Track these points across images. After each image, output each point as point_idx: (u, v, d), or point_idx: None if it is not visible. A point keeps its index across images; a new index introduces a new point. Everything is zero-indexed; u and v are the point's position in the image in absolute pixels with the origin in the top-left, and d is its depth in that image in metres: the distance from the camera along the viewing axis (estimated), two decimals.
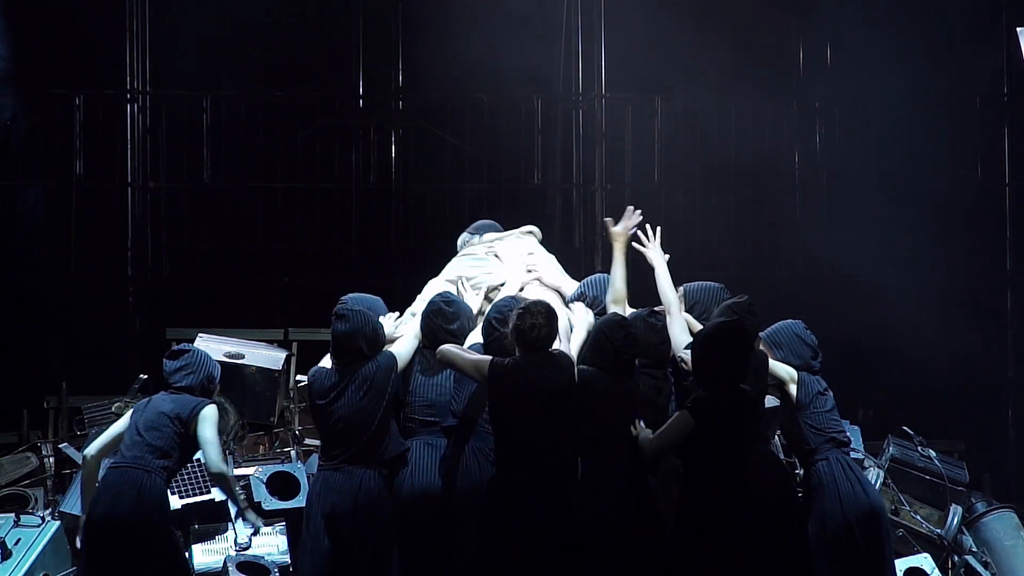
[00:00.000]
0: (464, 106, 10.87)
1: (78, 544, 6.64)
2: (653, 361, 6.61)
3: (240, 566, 7.09)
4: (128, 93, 10.50)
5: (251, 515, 6.75)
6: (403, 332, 6.73)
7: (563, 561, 6.03)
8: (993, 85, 11.17)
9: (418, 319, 6.75)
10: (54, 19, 10.31)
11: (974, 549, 8.12)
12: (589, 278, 7.19)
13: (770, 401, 6.65)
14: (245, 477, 7.86)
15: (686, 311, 6.94)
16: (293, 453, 8.23)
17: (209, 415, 6.41)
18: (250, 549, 7.30)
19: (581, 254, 10.85)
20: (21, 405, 9.29)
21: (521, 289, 7.12)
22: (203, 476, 7.46)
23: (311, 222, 10.67)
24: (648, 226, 7.02)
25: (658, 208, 10.66)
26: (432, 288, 7.16)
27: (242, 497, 6.75)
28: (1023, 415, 10.84)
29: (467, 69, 10.55)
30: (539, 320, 6.11)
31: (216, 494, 7.38)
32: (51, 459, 8.33)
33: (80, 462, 7.80)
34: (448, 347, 6.33)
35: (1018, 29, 9.47)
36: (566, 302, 7.10)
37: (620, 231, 6.87)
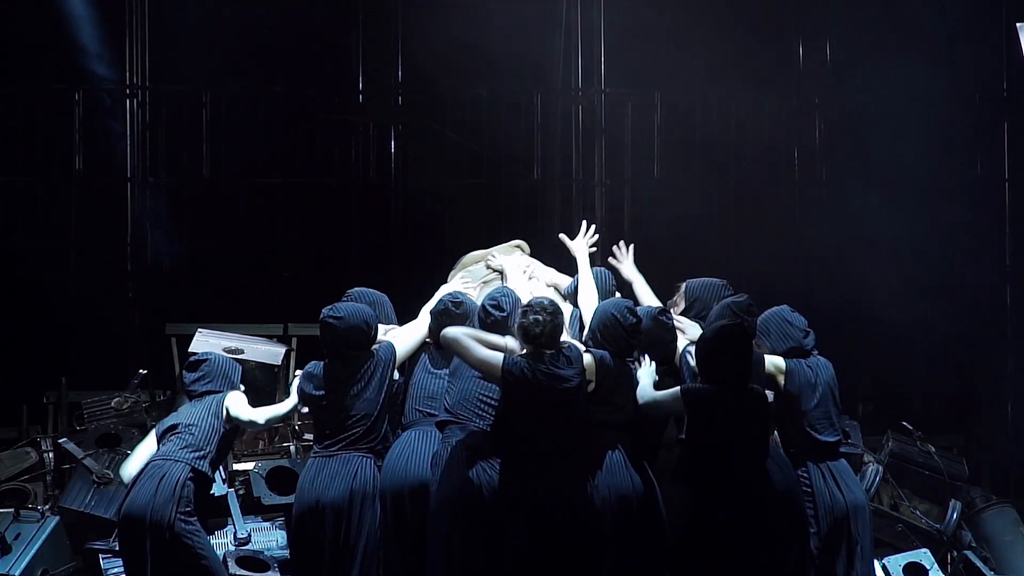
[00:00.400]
0: (463, 102, 10.86)
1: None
2: (663, 359, 6.61)
3: (240, 561, 7.10)
4: (127, 88, 10.49)
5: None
6: (396, 332, 6.73)
7: (565, 561, 6.02)
8: (992, 81, 11.16)
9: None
10: (53, 15, 10.31)
11: (973, 544, 8.13)
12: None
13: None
14: (244, 472, 7.89)
15: (686, 307, 6.95)
16: (292, 448, 8.24)
17: (235, 398, 6.51)
18: (249, 544, 7.31)
19: None
20: (20, 400, 9.28)
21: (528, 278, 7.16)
22: None
23: (311, 217, 10.66)
24: (622, 243, 7.13)
25: (657, 204, 10.70)
26: (446, 287, 7.15)
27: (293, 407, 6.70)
28: (1022, 410, 10.83)
29: (467, 65, 10.55)
30: (543, 316, 6.10)
31: (215, 489, 7.38)
32: (50, 454, 8.33)
33: (80, 459, 7.84)
34: (457, 332, 6.17)
35: (1018, 25, 9.46)
36: (563, 295, 7.12)
37: (576, 245, 7.05)
